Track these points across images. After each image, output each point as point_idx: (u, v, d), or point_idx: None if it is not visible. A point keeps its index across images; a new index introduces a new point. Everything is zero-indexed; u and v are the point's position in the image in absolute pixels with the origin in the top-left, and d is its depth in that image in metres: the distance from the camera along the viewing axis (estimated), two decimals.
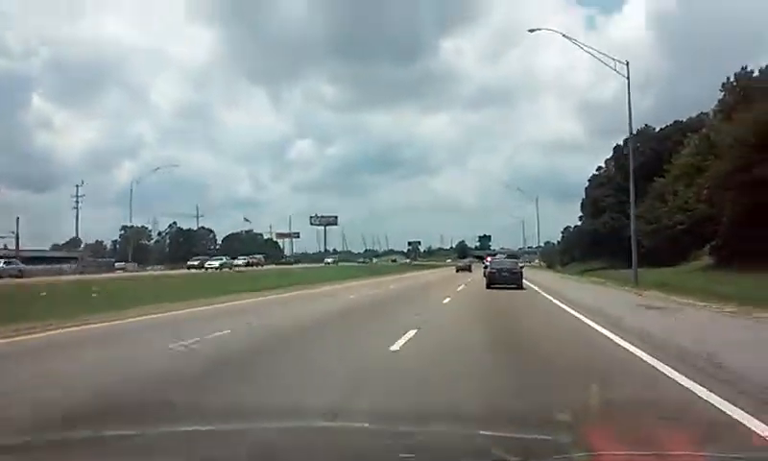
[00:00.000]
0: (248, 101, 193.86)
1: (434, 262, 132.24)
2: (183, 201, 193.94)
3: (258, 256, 69.51)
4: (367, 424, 3.56)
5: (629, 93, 26.34)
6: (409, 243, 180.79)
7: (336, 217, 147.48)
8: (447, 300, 20.33)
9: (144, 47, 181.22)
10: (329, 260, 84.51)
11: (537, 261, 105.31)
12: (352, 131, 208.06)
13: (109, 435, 2.80)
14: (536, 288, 26.68)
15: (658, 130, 52.95)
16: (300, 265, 71.82)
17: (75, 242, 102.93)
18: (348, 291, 26.49)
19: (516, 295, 23.01)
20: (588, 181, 59.28)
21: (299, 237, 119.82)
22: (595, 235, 48.13)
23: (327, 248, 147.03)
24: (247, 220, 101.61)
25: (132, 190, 67.27)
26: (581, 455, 1.98)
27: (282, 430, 3.03)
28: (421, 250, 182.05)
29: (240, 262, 60.28)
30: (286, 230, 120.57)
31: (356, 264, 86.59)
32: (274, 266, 63.41)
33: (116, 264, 62.12)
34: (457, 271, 59.17)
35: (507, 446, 2.25)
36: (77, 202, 69.76)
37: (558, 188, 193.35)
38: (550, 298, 20.89)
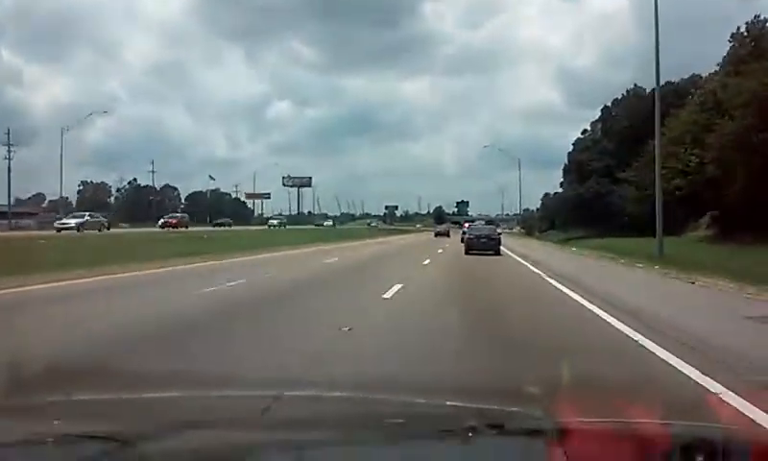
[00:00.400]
0: (224, 60, 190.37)
1: (409, 227, 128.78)
2: (158, 159, 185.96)
3: (179, 216, 59.25)
4: (338, 393, 3.47)
5: (656, 5, 22.03)
6: (386, 207, 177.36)
7: (310, 178, 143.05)
8: (395, 290, 11.88)
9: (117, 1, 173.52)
10: (274, 222, 77.08)
11: (517, 228, 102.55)
12: (331, 93, 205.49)
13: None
14: (538, 271, 18.20)
15: (648, 91, 49.21)
16: (243, 228, 63.05)
17: (39, 198, 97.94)
18: (242, 269, 17.51)
19: (514, 288, 14.09)
20: (573, 145, 55.73)
21: (269, 198, 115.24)
22: (579, 201, 44.67)
23: (302, 210, 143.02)
24: (211, 178, 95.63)
25: (62, 136, 61.55)
26: (550, 424, 1.85)
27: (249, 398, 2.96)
28: (398, 214, 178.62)
29: (160, 223, 53.93)
30: (258, 191, 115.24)
31: (312, 227, 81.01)
32: (208, 228, 54.48)
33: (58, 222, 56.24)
34: (435, 235, 60.90)
35: (477, 415, 2.16)
36: (9, 153, 64.22)
37: (537, 156, 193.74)
38: (569, 292, 12.22)
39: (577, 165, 46.59)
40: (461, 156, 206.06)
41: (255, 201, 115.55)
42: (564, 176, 77.52)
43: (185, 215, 60.47)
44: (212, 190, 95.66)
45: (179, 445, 1.65)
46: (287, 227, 73.03)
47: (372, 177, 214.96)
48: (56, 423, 1.99)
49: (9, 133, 64.04)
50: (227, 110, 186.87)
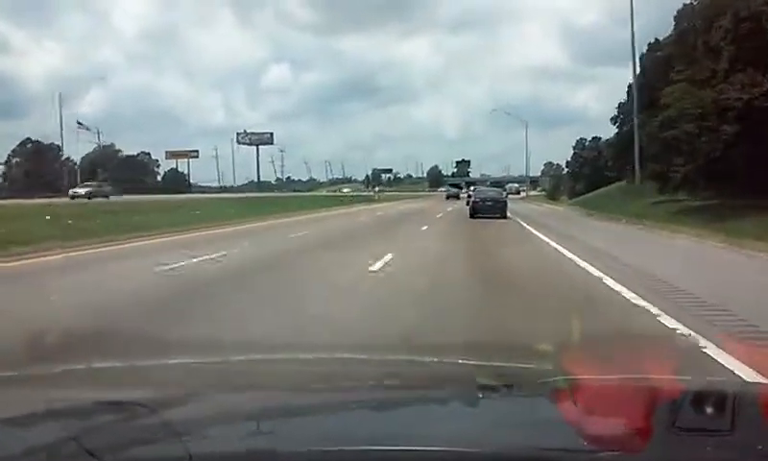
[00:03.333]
0: (215, 21, 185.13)
1: (398, 193, 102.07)
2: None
3: None
4: (346, 355, 3.53)
5: None
6: (373, 169, 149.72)
7: (271, 134, 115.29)
8: None
9: None
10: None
11: (526, 192, 75.60)
12: (326, 55, 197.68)
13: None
14: None
15: None
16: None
17: None
18: None
19: None
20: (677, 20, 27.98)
21: (197, 156, 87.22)
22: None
23: (261, 175, 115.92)
24: (81, 125, 63.80)
25: None
26: (562, 379, 1.85)
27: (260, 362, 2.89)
28: (387, 178, 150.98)
29: None
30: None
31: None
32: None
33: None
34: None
35: (490, 372, 2.23)
36: None
37: (544, 117, 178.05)
38: None
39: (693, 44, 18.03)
40: (463, 118, 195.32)
41: (180, 161, 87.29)
42: (627, 107, 50.50)
43: None
44: (106, 147, 65.90)
45: (203, 409, 1.64)
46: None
47: (368, 142, 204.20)
48: (76, 390, 1.94)
49: None
50: (220, 77, 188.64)
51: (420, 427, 1.35)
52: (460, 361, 2.72)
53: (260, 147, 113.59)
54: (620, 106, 52.23)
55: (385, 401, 1.69)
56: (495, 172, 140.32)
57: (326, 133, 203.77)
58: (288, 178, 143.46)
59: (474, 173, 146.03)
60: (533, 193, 74.81)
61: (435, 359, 2.71)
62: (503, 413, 1.56)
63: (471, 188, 42.81)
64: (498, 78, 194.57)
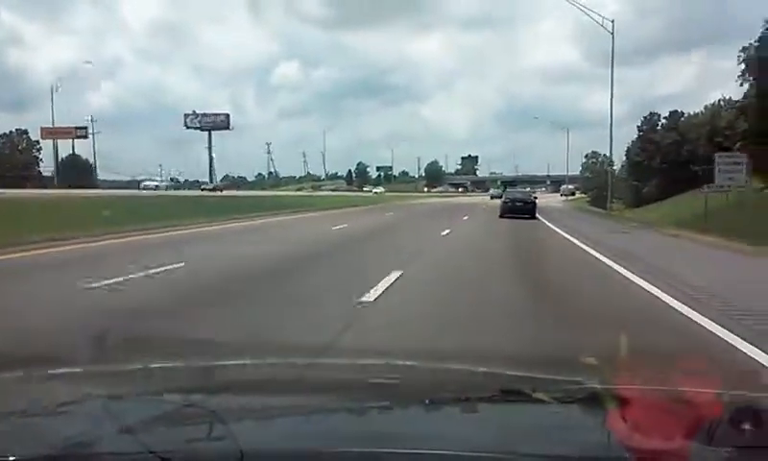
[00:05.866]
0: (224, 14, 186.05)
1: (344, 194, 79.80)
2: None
3: None
4: (384, 361, 3.36)
5: None
6: (358, 164, 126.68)
7: (227, 115, 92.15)
8: None
9: None
10: None
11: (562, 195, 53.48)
12: (333, 51, 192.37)
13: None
14: None
15: None
16: None
17: None
18: None
19: None
20: None
21: (85, 137, 63.73)
22: None
23: (213, 164, 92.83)
24: None
25: None
26: (600, 389, 1.89)
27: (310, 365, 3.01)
28: (375, 175, 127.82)
29: None
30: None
31: None
32: None
33: None
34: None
35: (527, 382, 2.18)
36: None
37: (559, 119, 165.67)
38: None
39: None
40: (472, 118, 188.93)
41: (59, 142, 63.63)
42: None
43: None
44: None
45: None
46: None
47: (376, 141, 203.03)
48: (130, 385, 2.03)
49: None
50: (232, 73, 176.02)
51: (447, 431, 1.41)
52: (496, 371, 2.65)
53: (213, 132, 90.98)
54: (748, 49, 29.08)
55: (420, 406, 1.70)
56: (506, 170, 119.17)
57: (323, 129, 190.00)
58: (271, 173, 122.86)
59: (482, 171, 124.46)
60: (572, 198, 52.14)
61: (474, 369, 2.68)
62: (537, 422, 1.54)
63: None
64: (510, 78, 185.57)
